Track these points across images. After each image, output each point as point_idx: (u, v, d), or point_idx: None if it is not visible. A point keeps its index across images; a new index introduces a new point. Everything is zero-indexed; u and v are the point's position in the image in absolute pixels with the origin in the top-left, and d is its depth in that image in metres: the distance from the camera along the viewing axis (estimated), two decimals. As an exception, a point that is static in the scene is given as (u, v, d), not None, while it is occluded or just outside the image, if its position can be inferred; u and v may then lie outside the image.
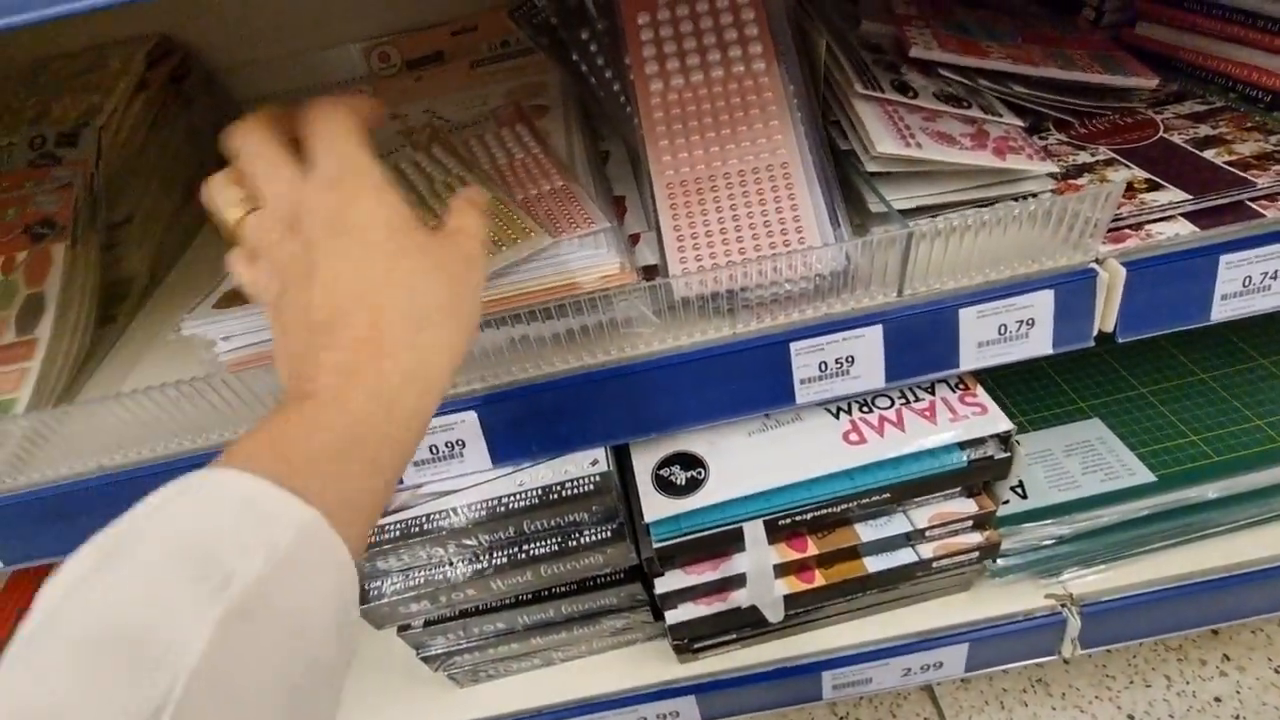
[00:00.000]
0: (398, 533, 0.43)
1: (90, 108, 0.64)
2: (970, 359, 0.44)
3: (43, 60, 0.72)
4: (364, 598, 0.46)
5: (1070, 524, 0.53)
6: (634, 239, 0.46)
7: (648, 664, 0.56)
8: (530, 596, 0.48)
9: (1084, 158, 0.47)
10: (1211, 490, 0.53)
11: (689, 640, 0.50)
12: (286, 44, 0.76)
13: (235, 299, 0.44)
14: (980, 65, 0.49)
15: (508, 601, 0.49)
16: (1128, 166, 0.46)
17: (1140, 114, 0.51)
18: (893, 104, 0.45)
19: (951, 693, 0.69)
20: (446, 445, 0.43)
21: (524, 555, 0.45)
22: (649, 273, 0.44)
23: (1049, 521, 0.53)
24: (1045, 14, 0.61)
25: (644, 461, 0.47)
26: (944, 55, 0.48)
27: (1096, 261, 0.42)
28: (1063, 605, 0.54)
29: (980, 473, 0.45)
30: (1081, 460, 0.56)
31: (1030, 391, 0.63)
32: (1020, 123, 0.46)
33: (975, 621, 0.55)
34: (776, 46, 0.44)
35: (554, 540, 0.45)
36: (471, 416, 0.43)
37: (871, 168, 0.43)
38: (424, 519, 0.43)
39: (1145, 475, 0.54)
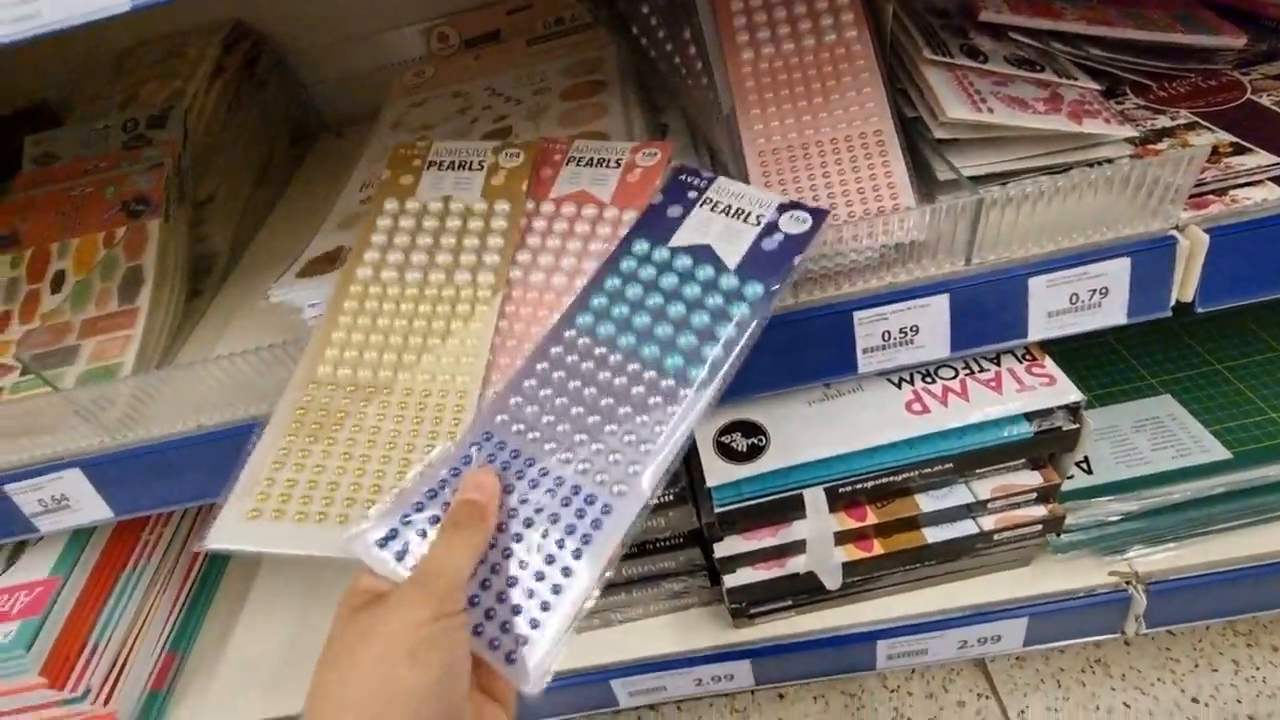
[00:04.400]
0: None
1: (174, 92, 0.67)
2: (1039, 329, 0.43)
3: (126, 49, 0.76)
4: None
5: (1138, 500, 0.52)
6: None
7: (704, 628, 0.57)
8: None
9: (1163, 122, 0.46)
10: (1292, 468, 0.51)
11: (746, 605, 0.51)
12: (349, 28, 0.79)
13: (317, 267, 0.46)
14: (1053, 27, 0.47)
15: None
16: (1211, 130, 0.44)
17: (1225, 75, 0.48)
18: (962, 69, 0.44)
19: (1006, 669, 0.69)
20: None
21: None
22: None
23: (1116, 497, 0.52)
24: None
25: (705, 429, 0.48)
26: (1015, 18, 0.47)
27: (1177, 229, 0.41)
28: (1127, 583, 0.53)
29: (1047, 444, 0.45)
30: (1151, 437, 0.55)
31: (1096, 367, 0.62)
32: (1096, 86, 0.45)
33: (1035, 596, 0.54)
34: (865, 12, 0.44)
35: (618, 502, 0.46)
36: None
37: (939, 134, 0.43)
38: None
39: (1220, 452, 0.53)
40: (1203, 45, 0.48)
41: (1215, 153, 0.42)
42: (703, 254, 0.38)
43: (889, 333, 0.43)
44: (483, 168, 0.46)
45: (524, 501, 0.33)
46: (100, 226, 0.57)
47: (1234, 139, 0.43)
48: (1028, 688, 0.67)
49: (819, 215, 0.38)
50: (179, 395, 0.46)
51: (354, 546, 0.32)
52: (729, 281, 0.37)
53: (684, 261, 0.38)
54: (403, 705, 0.26)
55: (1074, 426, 0.44)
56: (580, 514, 0.32)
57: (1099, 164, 0.43)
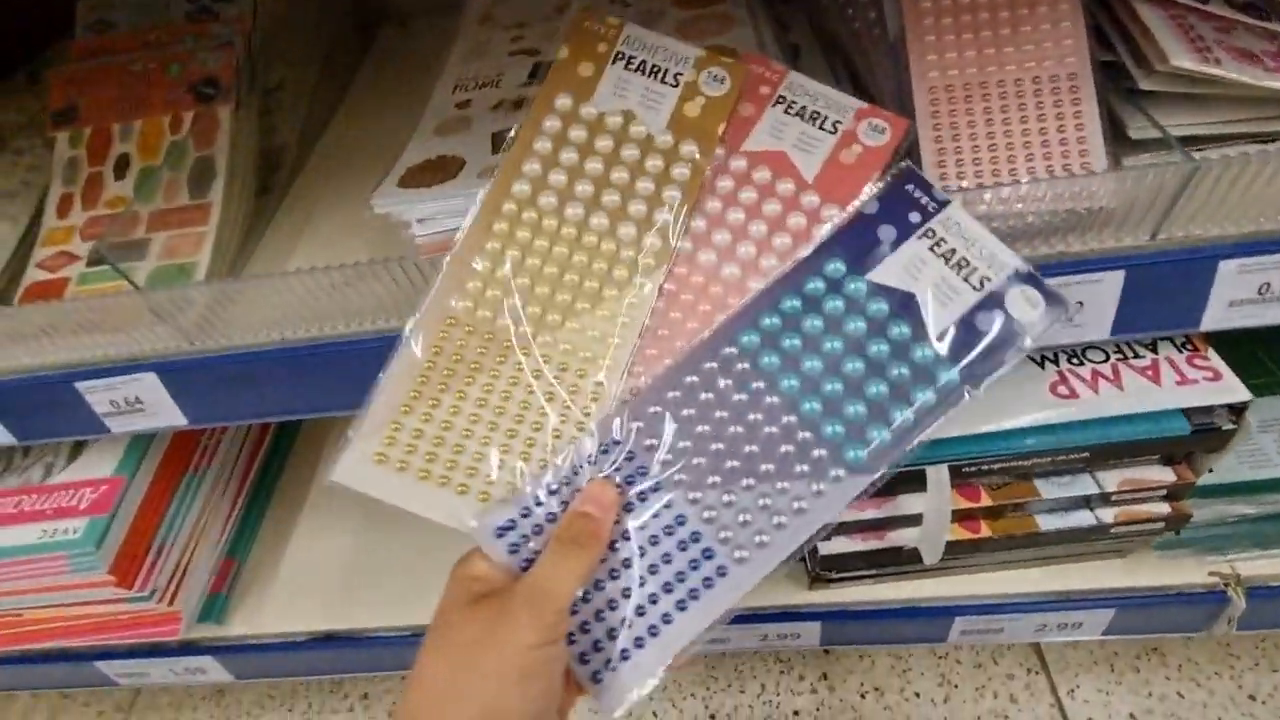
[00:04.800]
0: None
1: (239, -37, 0.61)
2: (1215, 319, 0.39)
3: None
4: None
5: (1258, 504, 0.49)
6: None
7: (777, 586, 0.56)
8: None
9: (1396, 92, 0.40)
10: None
11: (833, 571, 0.50)
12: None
13: (419, 177, 0.42)
14: (1285, -33, 0.40)
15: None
16: None
17: None
18: (1180, 9, 0.38)
19: (1059, 648, 0.68)
20: None
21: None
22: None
23: (1236, 499, 0.49)
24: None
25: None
26: (1242, -49, 0.40)
27: (1400, 218, 0.36)
28: (1227, 585, 0.51)
29: (1201, 443, 0.42)
30: (1278, 438, 0.51)
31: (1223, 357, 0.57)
32: (1332, 43, 0.38)
33: (1128, 589, 0.52)
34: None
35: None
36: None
37: (1146, 85, 0.37)
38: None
39: (1353, 462, 0.49)
40: None
41: None
42: (904, 305, 0.32)
43: (1049, 307, 0.39)
44: (677, 84, 0.37)
45: (641, 528, 0.31)
46: (165, 109, 0.53)
47: None
48: (1079, 668, 0.67)
49: (1056, 303, 0.31)
50: (265, 304, 0.42)
51: (474, 532, 0.32)
52: (924, 354, 0.31)
53: (879, 307, 0.32)
54: None
55: (1232, 427, 0.41)
56: (694, 565, 0.31)
57: (1316, 136, 0.38)
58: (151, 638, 0.57)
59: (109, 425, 0.48)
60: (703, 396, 0.32)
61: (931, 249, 0.33)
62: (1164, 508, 0.45)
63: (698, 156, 0.36)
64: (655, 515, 0.31)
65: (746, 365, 0.32)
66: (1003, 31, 0.38)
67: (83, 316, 0.44)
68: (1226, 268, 0.38)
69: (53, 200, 0.52)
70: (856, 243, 0.33)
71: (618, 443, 0.32)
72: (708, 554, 0.31)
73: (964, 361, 0.31)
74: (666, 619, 0.30)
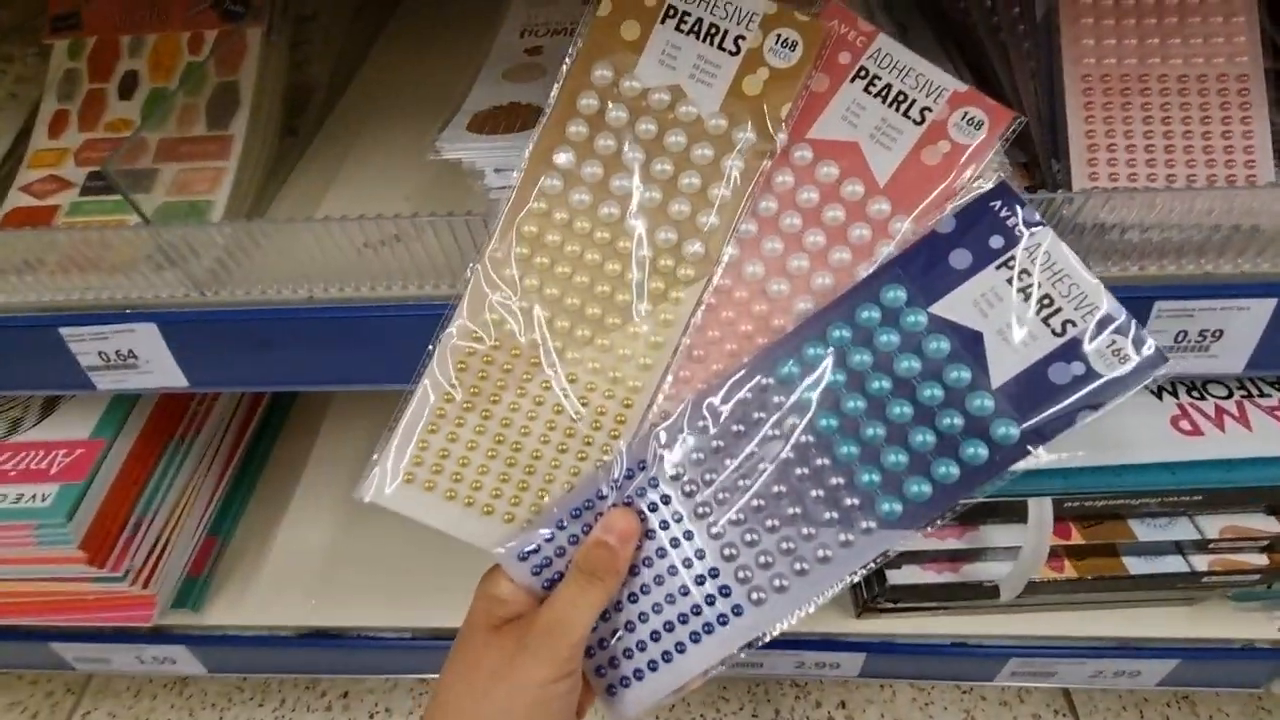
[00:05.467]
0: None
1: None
2: (1361, 360, 0.36)
3: None
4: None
5: (1343, 561, 0.46)
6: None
7: (822, 612, 0.52)
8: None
9: None
10: None
11: (900, 601, 0.46)
12: None
13: (488, 122, 0.36)
14: None
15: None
16: None
17: None
18: (1367, 15, 0.34)
19: (1088, 691, 0.66)
20: None
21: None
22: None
23: (1320, 553, 0.46)
24: None
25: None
26: None
27: None
28: (1296, 642, 0.49)
29: (1325, 494, 0.38)
30: (1365, 492, 0.49)
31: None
32: None
33: (1193, 640, 0.49)
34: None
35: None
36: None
37: (1325, 96, 0.34)
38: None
39: None
40: None
41: None
42: (968, 346, 0.28)
43: (1186, 333, 0.35)
44: (738, 51, 0.30)
45: (661, 555, 0.31)
46: (184, 25, 0.46)
47: None
48: (1108, 712, 0.64)
49: (1154, 360, 0.26)
50: (294, 254, 0.36)
51: (499, 557, 0.32)
52: (981, 404, 0.27)
53: (938, 346, 0.28)
54: None
55: (1360, 480, 0.38)
56: (710, 600, 0.31)
57: None
58: (120, 622, 0.51)
59: (94, 381, 0.41)
60: (734, 429, 0.30)
61: (1009, 281, 0.28)
62: (1261, 559, 0.42)
63: (755, 145, 0.30)
64: (675, 545, 0.31)
65: (783, 399, 0.30)
66: (1169, 20, 0.34)
67: (76, 251, 0.38)
68: (1385, 306, 0.34)
69: (44, 117, 0.45)
70: (923, 267, 0.29)
71: (644, 468, 0.31)
72: (724, 591, 0.30)
73: (1029, 419, 0.27)
74: (680, 648, 0.31)
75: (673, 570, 0.31)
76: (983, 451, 0.27)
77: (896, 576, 0.44)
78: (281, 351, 0.39)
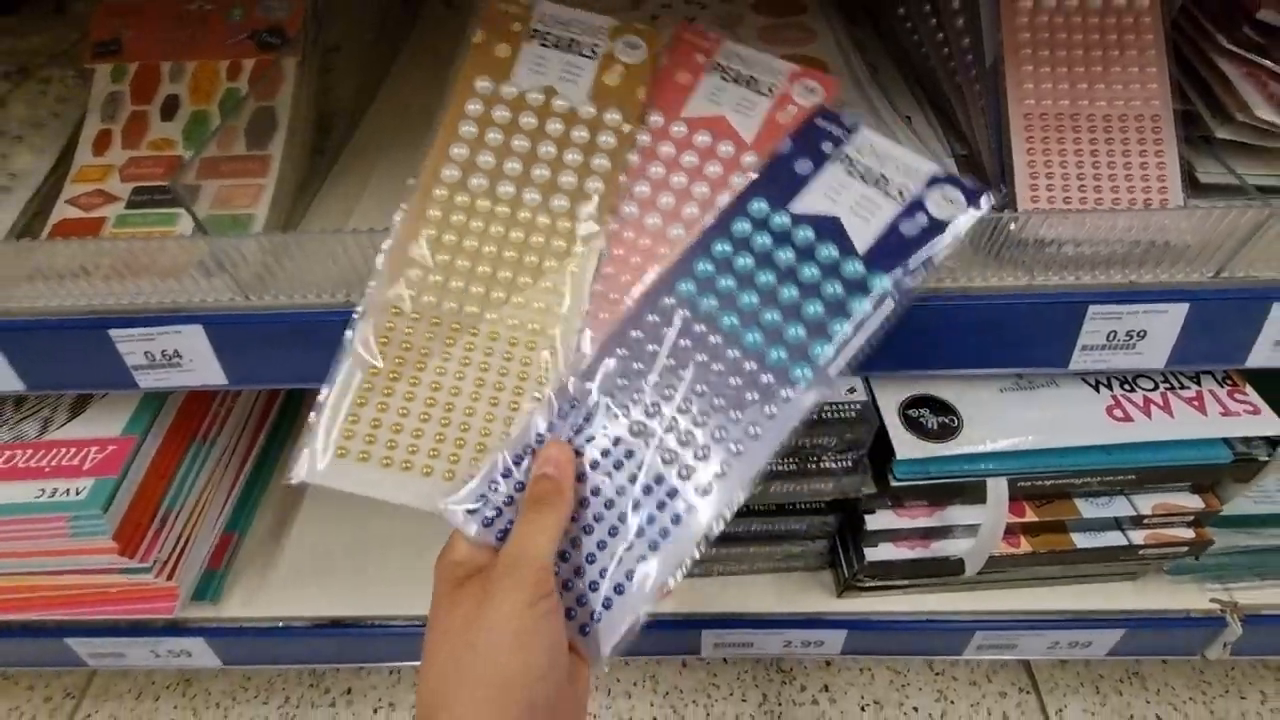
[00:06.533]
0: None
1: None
2: (1261, 357, 0.42)
3: None
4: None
5: (1260, 537, 0.53)
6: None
7: (806, 592, 0.57)
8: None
9: None
10: None
11: (876, 577, 0.51)
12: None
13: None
14: (1334, 41, 0.44)
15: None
16: None
17: None
18: (1257, 67, 0.41)
19: (1048, 669, 0.71)
20: None
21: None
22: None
23: (1240, 530, 0.52)
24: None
25: (888, 398, 0.46)
26: (1298, 23, 0.44)
27: None
28: (1225, 611, 0.55)
29: (1235, 472, 0.44)
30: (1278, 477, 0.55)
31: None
32: (1376, 113, 0.42)
33: (1137, 611, 0.55)
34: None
35: (792, 460, 0.44)
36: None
37: (1224, 135, 0.40)
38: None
39: (1346, 503, 0.53)
40: None
41: None
42: (828, 228, 0.33)
43: (1115, 333, 0.41)
44: (594, 55, 0.37)
45: (607, 476, 0.32)
46: (223, 53, 0.50)
47: None
48: (1068, 689, 0.70)
49: (975, 197, 0.33)
50: (331, 262, 0.40)
51: (446, 514, 0.32)
52: (853, 269, 0.32)
53: (805, 235, 0.33)
54: (519, 689, 0.28)
55: (1265, 459, 0.44)
56: (661, 506, 0.31)
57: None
58: (144, 614, 0.53)
59: (138, 379, 0.44)
60: (649, 349, 0.33)
61: (848, 172, 0.34)
62: (1189, 533, 0.48)
63: (623, 123, 0.37)
64: (618, 466, 0.32)
65: (687, 312, 0.33)
66: (1095, 68, 0.40)
67: (130, 258, 0.41)
68: (1278, 309, 0.41)
69: (88, 135, 0.48)
70: (776, 181, 0.35)
71: (575, 406, 0.33)
72: (671, 493, 0.31)
73: (894, 267, 0.32)
74: (643, 559, 0.31)
75: (620, 491, 0.32)
76: (866, 304, 0.32)
77: (873, 554, 0.48)
78: (314, 351, 0.43)
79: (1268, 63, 0.41)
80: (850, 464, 0.44)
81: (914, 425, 0.44)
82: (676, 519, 0.31)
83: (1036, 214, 0.37)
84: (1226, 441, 0.44)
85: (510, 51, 0.38)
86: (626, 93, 0.37)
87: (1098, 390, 0.45)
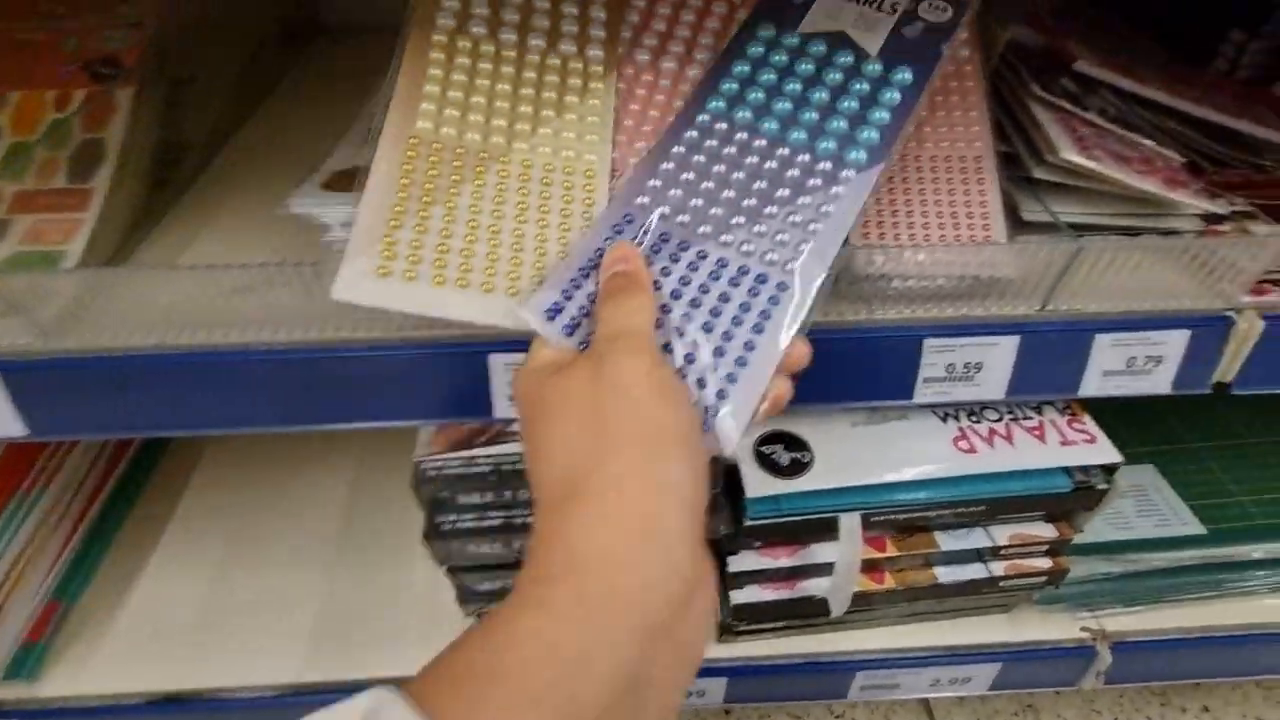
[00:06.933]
0: (488, 468, 0.40)
1: (159, -52, 0.57)
2: (1091, 386, 0.43)
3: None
4: (435, 531, 0.43)
5: (1121, 563, 0.54)
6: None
7: (684, 639, 0.54)
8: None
9: (1222, 205, 0.47)
10: (1257, 551, 0.54)
11: (744, 621, 0.49)
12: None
13: (343, 182, 0.39)
14: (1140, 92, 0.48)
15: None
16: (1267, 222, 0.46)
17: (1270, 173, 0.50)
18: (1067, 113, 0.43)
19: (946, 706, 0.70)
20: None
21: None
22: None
23: (1101, 557, 0.54)
24: (1173, 57, 0.61)
25: (744, 437, 0.45)
26: (1109, 75, 0.47)
27: (1235, 311, 0.42)
28: (1095, 639, 0.55)
29: (1079, 500, 0.45)
30: (1136, 503, 0.57)
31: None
32: (1179, 157, 0.45)
33: (1011, 644, 0.55)
34: (977, 34, 0.43)
35: (644, 501, 0.42)
36: (583, 357, 0.40)
37: (1039, 174, 0.42)
38: (515, 457, 0.41)
39: (1196, 527, 0.55)
40: (1267, 139, 0.49)
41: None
42: (836, 41, 0.37)
43: (954, 365, 0.42)
44: None
45: (685, 283, 0.31)
46: (52, 83, 0.47)
47: (1290, 234, 0.44)
48: (964, 726, 0.69)
49: (960, 5, 0.37)
50: (144, 302, 0.38)
51: (524, 313, 0.30)
52: (873, 68, 0.36)
53: (817, 48, 0.37)
54: (677, 440, 0.24)
55: (1105, 487, 0.45)
56: (754, 292, 0.31)
57: (1168, 234, 0.44)
58: (-64, 697, 0.47)
59: (-78, 431, 0.40)
60: (695, 159, 0.34)
61: None
62: (1046, 562, 0.49)
63: None
64: (693, 268, 0.31)
65: (724, 124, 0.35)
66: (921, 113, 0.42)
67: (-92, 299, 0.37)
68: (1102, 341, 0.42)
69: (-109, 168, 0.45)
70: (776, 8, 0.38)
71: (631, 220, 0.33)
72: (761, 279, 0.31)
73: (909, 63, 0.36)
74: (749, 346, 0.30)
75: (704, 289, 0.31)
76: (895, 94, 0.35)
77: (740, 596, 0.47)
78: (133, 398, 0.40)
79: (1077, 109, 0.44)
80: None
81: (766, 462, 0.44)
82: (774, 299, 0.31)
83: (864, 249, 0.37)
84: (1066, 470, 0.45)
85: None
86: None
87: (945, 422, 0.46)
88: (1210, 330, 0.42)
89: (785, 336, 0.30)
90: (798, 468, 0.43)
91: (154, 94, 0.49)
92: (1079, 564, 0.53)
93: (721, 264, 0.32)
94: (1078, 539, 0.54)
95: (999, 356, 0.42)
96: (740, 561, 0.46)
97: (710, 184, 0.34)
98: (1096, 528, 0.55)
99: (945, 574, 0.48)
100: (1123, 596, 0.55)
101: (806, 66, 0.36)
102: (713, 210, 0.33)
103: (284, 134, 0.59)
